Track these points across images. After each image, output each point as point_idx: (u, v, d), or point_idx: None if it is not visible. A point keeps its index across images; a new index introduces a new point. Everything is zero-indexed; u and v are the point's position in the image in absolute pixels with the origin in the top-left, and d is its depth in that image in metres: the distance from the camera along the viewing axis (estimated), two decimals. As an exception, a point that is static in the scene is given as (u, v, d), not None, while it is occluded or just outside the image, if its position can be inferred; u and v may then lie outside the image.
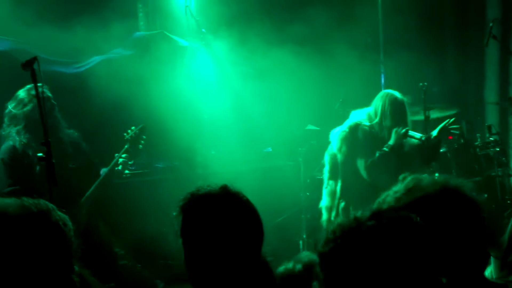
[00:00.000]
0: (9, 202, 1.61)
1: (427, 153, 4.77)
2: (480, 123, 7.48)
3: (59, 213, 1.66)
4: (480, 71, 7.91)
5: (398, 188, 1.87)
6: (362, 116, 4.79)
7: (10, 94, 4.37)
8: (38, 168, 4.11)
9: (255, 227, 1.84)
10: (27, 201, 1.62)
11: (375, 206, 1.86)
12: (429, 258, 1.51)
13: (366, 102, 4.93)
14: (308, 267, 1.99)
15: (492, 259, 2.32)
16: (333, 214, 4.77)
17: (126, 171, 4.51)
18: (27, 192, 1.77)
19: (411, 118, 4.87)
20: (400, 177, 1.93)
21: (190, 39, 6.53)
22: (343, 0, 7.49)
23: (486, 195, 6.10)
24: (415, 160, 4.81)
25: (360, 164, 4.65)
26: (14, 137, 4.20)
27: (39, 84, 3.40)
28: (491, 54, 7.69)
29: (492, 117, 7.66)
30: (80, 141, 4.56)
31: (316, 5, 6.95)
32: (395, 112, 4.67)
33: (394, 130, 4.64)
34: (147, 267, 5.03)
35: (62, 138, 4.35)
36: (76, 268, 1.64)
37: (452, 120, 4.77)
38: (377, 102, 4.76)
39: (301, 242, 6.04)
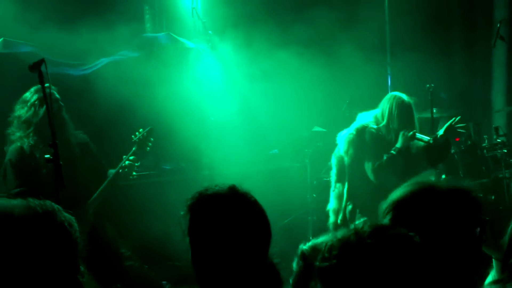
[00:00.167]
0: (16, 203, 1.62)
1: (434, 154, 4.75)
2: (487, 124, 7.45)
3: (65, 214, 1.67)
4: (488, 72, 7.89)
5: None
6: (369, 118, 4.78)
7: (17, 96, 4.39)
8: (44, 170, 4.12)
9: (262, 227, 1.84)
10: (33, 202, 1.63)
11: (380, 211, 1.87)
12: (427, 278, 1.51)
13: (373, 104, 4.92)
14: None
15: (494, 262, 2.31)
16: (340, 217, 4.76)
17: (133, 173, 4.52)
18: (34, 194, 1.77)
19: (418, 115, 4.84)
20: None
21: (196, 41, 6.54)
22: (350, 1, 7.48)
23: (493, 197, 6.07)
24: (422, 162, 4.80)
25: (368, 167, 4.64)
26: (22, 138, 4.21)
27: (46, 85, 3.41)
28: (498, 55, 7.67)
29: (499, 118, 7.64)
30: (88, 142, 4.57)
31: (322, 7, 6.94)
32: (402, 115, 4.65)
33: (401, 133, 4.62)
34: (153, 268, 5.03)
35: (69, 139, 4.36)
36: (82, 268, 1.64)
37: (458, 118, 4.75)
38: (384, 105, 4.74)
39: (307, 244, 6.03)
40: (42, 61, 3.41)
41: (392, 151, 4.61)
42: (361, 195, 4.67)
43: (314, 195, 6.40)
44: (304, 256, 1.90)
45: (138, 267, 4.83)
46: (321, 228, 5.71)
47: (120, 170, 4.41)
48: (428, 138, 4.70)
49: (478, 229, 1.85)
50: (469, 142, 6.35)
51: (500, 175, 6.16)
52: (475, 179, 6.05)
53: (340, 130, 4.85)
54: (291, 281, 1.92)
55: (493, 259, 2.30)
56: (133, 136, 4.54)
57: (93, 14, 5.74)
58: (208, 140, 6.25)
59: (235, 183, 1.89)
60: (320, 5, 6.99)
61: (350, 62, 6.80)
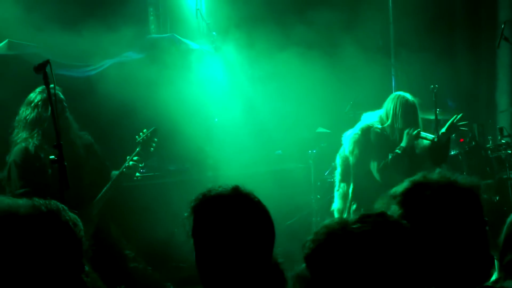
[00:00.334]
0: (21, 202, 1.63)
1: (437, 153, 4.75)
2: (491, 125, 7.44)
3: (70, 213, 1.67)
4: (492, 73, 7.88)
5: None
6: (374, 118, 4.78)
7: (22, 97, 4.40)
8: (50, 171, 4.13)
9: (266, 228, 1.84)
10: (38, 201, 1.63)
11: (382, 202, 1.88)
12: (415, 266, 1.49)
13: (377, 105, 4.92)
14: None
15: (496, 262, 2.31)
16: (345, 216, 4.77)
17: (137, 174, 4.52)
18: (38, 194, 1.78)
19: (422, 116, 4.84)
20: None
21: (200, 42, 6.55)
22: (354, 2, 7.48)
23: (497, 198, 6.06)
24: (426, 162, 4.80)
25: (373, 166, 4.64)
26: (27, 139, 4.22)
27: (51, 86, 3.42)
28: (502, 56, 7.66)
29: (503, 119, 7.62)
30: (92, 143, 4.58)
31: (326, 8, 6.94)
32: (407, 114, 4.65)
33: (405, 132, 4.63)
34: (157, 269, 5.04)
35: (74, 140, 4.36)
36: (87, 268, 1.65)
37: (460, 115, 4.74)
38: (388, 105, 4.75)
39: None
40: (47, 62, 3.42)
41: (397, 150, 4.61)
42: (365, 195, 4.67)
43: (318, 196, 6.40)
44: None
45: (142, 268, 4.83)
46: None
47: (124, 171, 4.41)
48: (433, 136, 4.70)
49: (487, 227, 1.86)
50: (473, 143, 6.34)
51: (505, 176, 6.14)
52: (479, 180, 6.04)
53: (344, 131, 4.85)
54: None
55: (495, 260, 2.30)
56: (137, 136, 4.54)
57: (97, 15, 5.75)
58: (212, 141, 6.26)
59: (239, 184, 1.89)
60: (324, 7, 6.99)
61: (354, 63, 6.80)
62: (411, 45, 7.67)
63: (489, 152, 6.28)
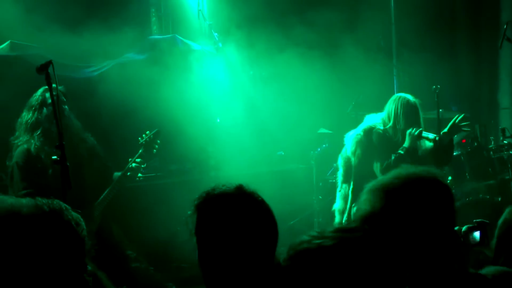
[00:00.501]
0: (24, 202, 1.63)
1: (439, 155, 4.75)
2: (493, 126, 7.43)
3: (72, 212, 1.68)
4: (494, 74, 7.87)
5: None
6: (376, 120, 4.78)
7: (24, 97, 4.40)
8: (50, 171, 4.14)
9: (270, 227, 1.84)
10: (41, 200, 1.64)
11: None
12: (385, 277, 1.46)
13: (379, 105, 4.92)
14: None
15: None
16: (345, 217, 4.77)
17: (139, 174, 4.52)
18: (41, 195, 1.78)
19: (424, 116, 4.84)
20: None
21: (202, 43, 6.56)
22: (356, 3, 7.48)
23: (500, 199, 6.05)
24: (428, 164, 4.79)
25: (376, 167, 4.64)
26: (29, 140, 4.23)
27: (53, 86, 3.42)
28: (504, 57, 7.65)
29: (506, 120, 7.62)
30: (95, 144, 4.58)
31: (328, 9, 6.95)
32: (408, 115, 4.65)
33: (408, 132, 4.62)
34: (159, 269, 5.04)
35: (76, 141, 4.37)
36: (89, 267, 1.65)
37: (461, 116, 4.73)
38: (390, 106, 4.75)
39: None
40: (49, 63, 3.42)
41: (400, 151, 4.61)
42: (366, 195, 4.67)
43: (320, 197, 6.40)
44: None
45: (144, 268, 4.83)
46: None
47: (128, 173, 4.41)
48: (434, 135, 4.69)
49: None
50: (475, 144, 6.33)
51: (507, 177, 6.13)
52: (481, 180, 6.03)
53: (346, 132, 4.85)
54: None
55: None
56: (139, 138, 4.54)
57: (99, 16, 5.76)
58: (214, 141, 6.26)
59: (243, 183, 1.89)
60: (326, 7, 7.00)
61: (356, 64, 6.81)
62: (412, 46, 7.67)
63: (491, 152, 6.26)
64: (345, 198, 4.82)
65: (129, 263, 4.69)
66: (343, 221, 4.75)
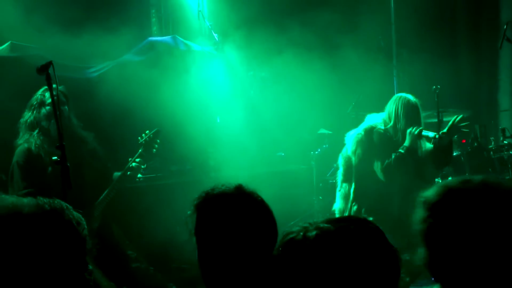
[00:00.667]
0: (25, 201, 1.63)
1: (439, 156, 4.75)
2: (493, 126, 7.44)
3: (73, 212, 1.68)
4: (494, 74, 7.88)
5: None
6: (377, 120, 4.79)
7: (24, 98, 4.41)
8: (50, 169, 4.14)
9: (269, 227, 1.84)
10: (42, 200, 1.64)
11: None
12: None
13: (379, 106, 4.92)
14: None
15: None
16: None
17: (139, 175, 4.52)
18: (42, 195, 1.78)
19: (424, 114, 4.84)
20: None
21: (202, 44, 6.56)
22: (355, 3, 7.49)
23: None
24: (428, 165, 4.79)
25: (377, 166, 4.65)
26: (29, 140, 4.24)
27: (53, 86, 3.43)
28: (504, 57, 7.66)
29: (505, 120, 7.62)
30: (95, 144, 4.58)
31: (328, 9, 6.96)
32: (408, 114, 4.66)
33: (408, 131, 4.63)
34: (159, 270, 5.04)
35: (76, 141, 4.37)
36: (90, 266, 1.65)
37: (460, 117, 4.72)
38: (390, 106, 4.76)
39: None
40: (50, 63, 3.42)
41: (400, 150, 4.62)
42: (367, 195, 4.68)
43: (320, 197, 6.41)
44: None
45: (144, 268, 4.83)
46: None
47: (128, 173, 4.41)
48: (434, 133, 4.69)
49: None
50: (475, 144, 6.33)
51: (507, 177, 6.13)
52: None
53: (346, 132, 4.85)
54: None
55: None
56: (139, 138, 4.54)
57: (99, 17, 5.77)
58: (214, 142, 6.26)
59: (242, 183, 1.89)
60: (325, 8, 7.01)
61: (356, 64, 6.81)
62: (412, 46, 7.67)
63: (491, 153, 6.27)
64: (345, 198, 4.82)
65: (129, 263, 4.69)
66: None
